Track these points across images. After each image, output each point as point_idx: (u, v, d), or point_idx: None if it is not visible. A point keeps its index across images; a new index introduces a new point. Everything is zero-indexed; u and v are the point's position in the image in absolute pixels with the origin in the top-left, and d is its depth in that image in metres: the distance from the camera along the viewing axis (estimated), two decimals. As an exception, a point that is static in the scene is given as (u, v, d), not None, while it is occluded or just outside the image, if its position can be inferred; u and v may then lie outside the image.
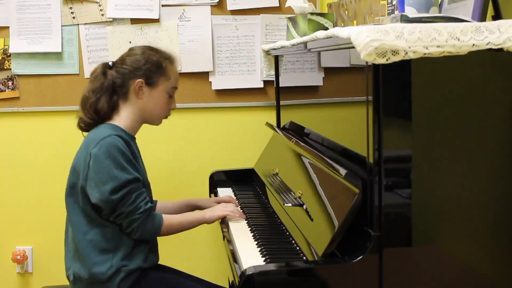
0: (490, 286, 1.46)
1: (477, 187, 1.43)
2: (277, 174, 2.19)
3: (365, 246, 1.40)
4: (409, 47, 1.29)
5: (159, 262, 2.01)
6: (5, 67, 2.77)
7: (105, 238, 1.85)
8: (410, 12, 1.55)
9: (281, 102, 2.63)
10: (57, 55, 2.77)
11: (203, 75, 2.81)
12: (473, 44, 1.32)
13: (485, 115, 1.41)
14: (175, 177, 2.84)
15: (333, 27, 2.08)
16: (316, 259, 1.51)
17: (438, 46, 1.31)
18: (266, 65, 2.70)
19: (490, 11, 1.60)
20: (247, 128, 2.84)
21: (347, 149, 1.66)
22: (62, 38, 2.76)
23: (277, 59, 2.60)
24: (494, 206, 1.43)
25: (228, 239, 1.90)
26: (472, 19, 1.48)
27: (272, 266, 1.49)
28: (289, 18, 2.26)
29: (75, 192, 1.89)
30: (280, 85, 2.62)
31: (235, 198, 2.33)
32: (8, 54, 2.76)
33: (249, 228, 1.94)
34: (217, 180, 2.62)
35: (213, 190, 2.60)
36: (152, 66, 1.96)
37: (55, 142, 2.81)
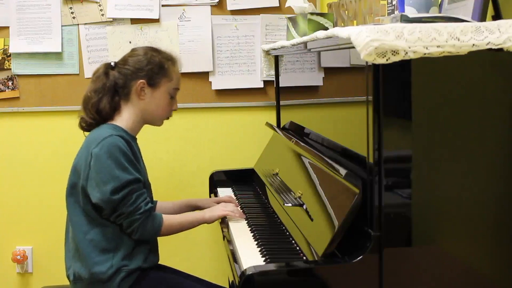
0: (490, 286, 1.46)
1: (477, 187, 1.43)
2: (277, 174, 2.19)
3: (365, 246, 1.40)
4: (409, 47, 1.29)
5: (159, 262, 2.01)
6: (5, 67, 2.77)
7: (106, 238, 1.85)
8: (410, 12, 1.55)
9: (281, 102, 2.63)
10: (57, 55, 2.77)
11: (203, 75, 2.81)
12: (473, 44, 1.32)
13: (485, 115, 1.41)
14: (175, 177, 2.84)
15: (333, 27, 2.08)
16: (316, 259, 1.51)
17: (438, 46, 1.31)
18: (266, 65, 2.70)
19: (490, 11, 1.60)
20: (247, 128, 2.84)
21: (347, 149, 1.66)
22: (62, 38, 2.76)
23: (277, 59, 2.60)
24: (494, 206, 1.43)
25: (228, 239, 1.90)
26: (472, 19, 1.48)
27: (272, 266, 1.49)
28: (289, 18, 2.26)
29: (76, 192, 1.89)
30: (280, 85, 2.62)
31: (235, 198, 2.33)
32: (8, 54, 2.76)
33: (249, 228, 1.94)
34: (217, 180, 2.62)
35: (213, 190, 2.60)
36: (154, 67, 1.96)
37: (55, 142, 2.81)
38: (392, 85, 1.38)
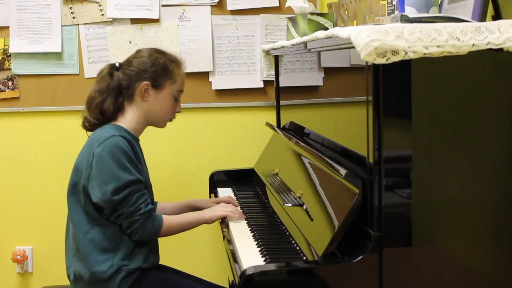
0: (490, 286, 1.46)
1: (477, 187, 1.43)
2: (277, 174, 2.19)
3: (365, 246, 1.40)
4: (409, 47, 1.29)
5: (159, 262, 2.01)
6: (5, 67, 2.77)
7: (106, 237, 1.85)
8: (410, 12, 1.55)
9: (281, 102, 2.63)
10: (57, 55, 2.77)
11: (203, 75, 2.81)
12: (473, 44, 1.32)
13: (485, 115, 1.41)
14: (175, 177, 2.84)
15: (333, 27, 2.08)
16: (316, 259, 1.51)
17: (438, 46, 1.31)
18: (266, 65, 2.70)
19: (490, 11, 1.60)
20: (247, 128, 2.84)
21: (347, 149, 1.66)
22: (62, 38, 2.76)
23: (277, 59, 2.60)
24: (494, 206, 1.43)
25: (228, 239, 1.90)
26: (472, 19, 1.48)
27: (272, 266, 1.49)
28: (289, 18, 2.26)
29: (77, 191, 1.89)
30: (280, 85, 2.62)
31: (235, 198, 2.33)
32: (8, 54, 2.76)
33: (249, 228, 1.94)
34: (217, 180, 2.62)
35: (213, 190, 2.60)
36: (158, 69, 1.96)
37: (55, 142, 2.81)
38: (392, 85, 1.38)
